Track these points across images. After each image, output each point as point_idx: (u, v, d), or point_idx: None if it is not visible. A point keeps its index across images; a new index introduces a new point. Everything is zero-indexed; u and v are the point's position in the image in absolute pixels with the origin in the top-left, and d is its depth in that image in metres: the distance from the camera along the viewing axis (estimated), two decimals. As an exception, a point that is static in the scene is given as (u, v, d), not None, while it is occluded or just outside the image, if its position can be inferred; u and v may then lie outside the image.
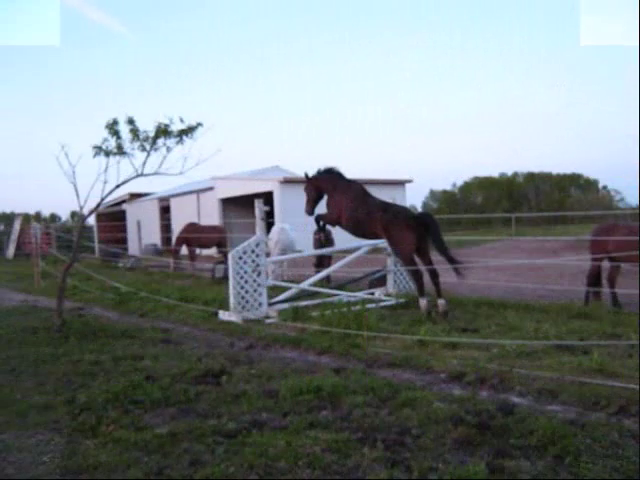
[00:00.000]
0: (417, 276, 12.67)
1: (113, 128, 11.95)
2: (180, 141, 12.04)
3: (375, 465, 4.94)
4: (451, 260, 12.31)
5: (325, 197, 14.15)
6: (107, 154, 11.90)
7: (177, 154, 12.08)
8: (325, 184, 14.03)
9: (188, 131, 11.99)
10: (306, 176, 14.34)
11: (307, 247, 22.03)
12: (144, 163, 12.15)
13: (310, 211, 14.22)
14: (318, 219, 14.32)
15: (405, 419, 6.05)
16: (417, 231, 12.69)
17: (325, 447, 5.32)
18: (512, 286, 16.32)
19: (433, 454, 5.17)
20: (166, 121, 11.98)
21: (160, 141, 12.02)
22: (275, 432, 5.75)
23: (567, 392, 6.77)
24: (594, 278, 13.21)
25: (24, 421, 6.38)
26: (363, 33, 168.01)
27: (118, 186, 12.14)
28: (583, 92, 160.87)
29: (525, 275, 19.34)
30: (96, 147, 11.89)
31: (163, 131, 11.92)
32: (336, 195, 13.78)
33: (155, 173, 12.17)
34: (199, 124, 12.09)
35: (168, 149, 12.06)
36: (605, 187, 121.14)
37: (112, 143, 11.93)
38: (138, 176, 12.21)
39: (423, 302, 12.43)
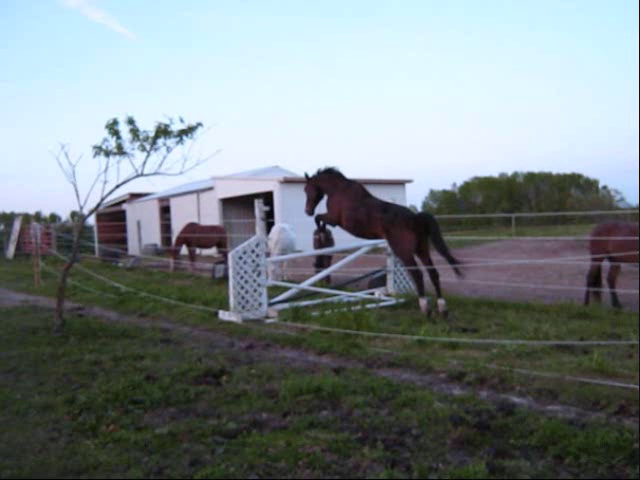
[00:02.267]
0: (417, 276, 12.66)
1: (113, 128, 11.93)
2: (180, 141, 12.00)
3: (375, 465, 4.94)
4: (451, 260, 12.28)
5: (325, 197, 14.19)
6: (107, 154, 11.89)
7: (177, 154, 12.08)
8: (325, 184, 14.03)
9: (188, 131, 11.97)
10: (306, 176, 14.34)
11: (307, 247, 22.01)
12: (144, 163, 12.10)
13: (310, 211, 14.22)
14: (318, 219, 14.29)
15: (405, 419, 6.05)
16: (417, 231, 12.65)
17: (325, 447, 5.31)
18: (512, 286, 16.29)
19: (433, 454, 5.17)
20: (166, 121, 11.95)
21: (160, 141, 11.97)
22: (275, 432, 5.75)
23: (567, 392, 6.77)
24: (594, 278, 13.19)
25: (24, 420, 6.38)
26: (363, 31, 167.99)
27: (118, 186, 12.10)
28: (583, 92, 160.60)
29: (525, 275, 19.33)
30: (96, 147, 11.88)
31: (163, 131, 11.89)
32: (336, 195, 13.77)
33: (155, 173, 12.11)
34: (199, 124, 12.05)
35: (168, 149, 12.04)
36: (605, 187, 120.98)
37: (112, 143, 11.93)
38: (138, 176, 12.17)
39: (423, 302, 12.41)
